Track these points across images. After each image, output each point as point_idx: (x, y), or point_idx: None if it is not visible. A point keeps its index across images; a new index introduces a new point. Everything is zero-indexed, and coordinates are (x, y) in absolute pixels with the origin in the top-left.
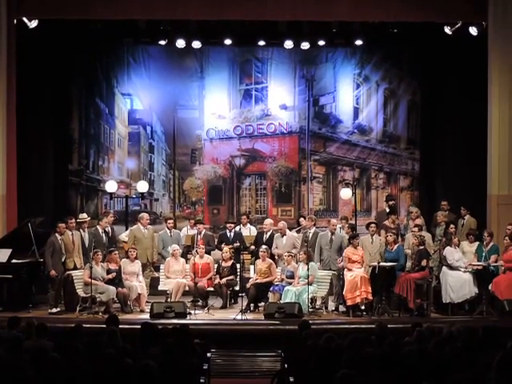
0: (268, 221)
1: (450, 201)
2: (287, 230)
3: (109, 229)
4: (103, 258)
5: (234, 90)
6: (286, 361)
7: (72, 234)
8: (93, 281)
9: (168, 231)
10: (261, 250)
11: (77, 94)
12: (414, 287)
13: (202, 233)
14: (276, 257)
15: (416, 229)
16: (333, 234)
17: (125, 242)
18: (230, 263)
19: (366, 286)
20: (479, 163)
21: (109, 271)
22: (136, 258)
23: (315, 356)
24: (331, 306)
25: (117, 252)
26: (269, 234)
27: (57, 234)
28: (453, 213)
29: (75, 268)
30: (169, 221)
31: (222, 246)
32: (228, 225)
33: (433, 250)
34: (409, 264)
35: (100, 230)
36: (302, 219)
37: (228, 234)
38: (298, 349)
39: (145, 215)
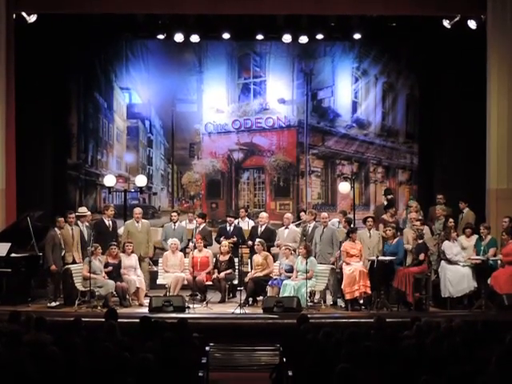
0: (264, 214)
1: (449, 195)
2: (290, 224)
3: (110, 222)
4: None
5: (232, 84)
6: (284, 355)
7: (72, 229)
8: (92, 275)
9: (172, 225)
10: (256, 243)
11: (75, 89)
12: (412, 281)
13: (201, 227)
14: (277, 248)
15: (418, 223)
16: (325, 227)
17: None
18: (227, 257)
19: (364, 280)
20: (478, 157)
21: (107, 265)
22: (132, 252)
23: (314, 350)
24: (329, 299)
25: (115, 246)
26: (264, 227)
27: (56, 229)
28: (449, 207)
29: (74, 262)
30: (173, 214)
31: (221, 239)
32: (228, 218)
33: (431, 244)
34: (409, 260)
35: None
36: (302, 213)
37: (227, 228)
38: (296, 343)
39: (136, 209)
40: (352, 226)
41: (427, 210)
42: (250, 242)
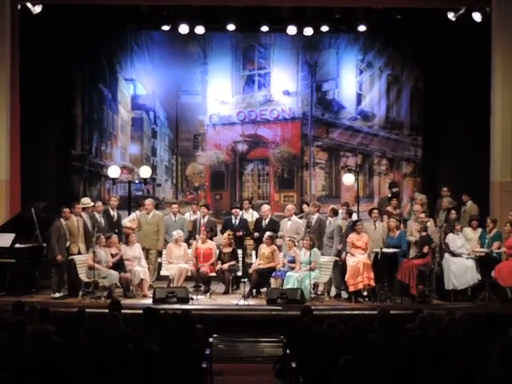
0: (266, 207)
1: (453, 187)
2: (293, 215)
3: (115, 213)
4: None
5: (236, 75)
6: (288, 346)
7: (77, 220)
8: (96, 265)
9: (173, 216)
10: (265, 236)
11: (80, 80)
12: (416, 273)
13: (206, 218)
14: (281, 240)
15: (423, 215)
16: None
17: (127, 228)
18: (230, 249)
19: (368, 272)
20: (482, 150)
21: (112, 256)
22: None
23: (317, 342)
24: (333, 291)
25: (116, 236)
26: (268, 219)
27: (62, 219)
28: (453, 199)
29: (79, 253)
30: (173, 206)
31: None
32: (234, 210)
33: (436, 236)
34: (413, 252)
35: (97, 215)
36: (304, 205)
37: (233, 221)
38: (300, 334)
39: (146, 200)
40: (352, 217)
41: (431, 202)
42: (256, 234)
